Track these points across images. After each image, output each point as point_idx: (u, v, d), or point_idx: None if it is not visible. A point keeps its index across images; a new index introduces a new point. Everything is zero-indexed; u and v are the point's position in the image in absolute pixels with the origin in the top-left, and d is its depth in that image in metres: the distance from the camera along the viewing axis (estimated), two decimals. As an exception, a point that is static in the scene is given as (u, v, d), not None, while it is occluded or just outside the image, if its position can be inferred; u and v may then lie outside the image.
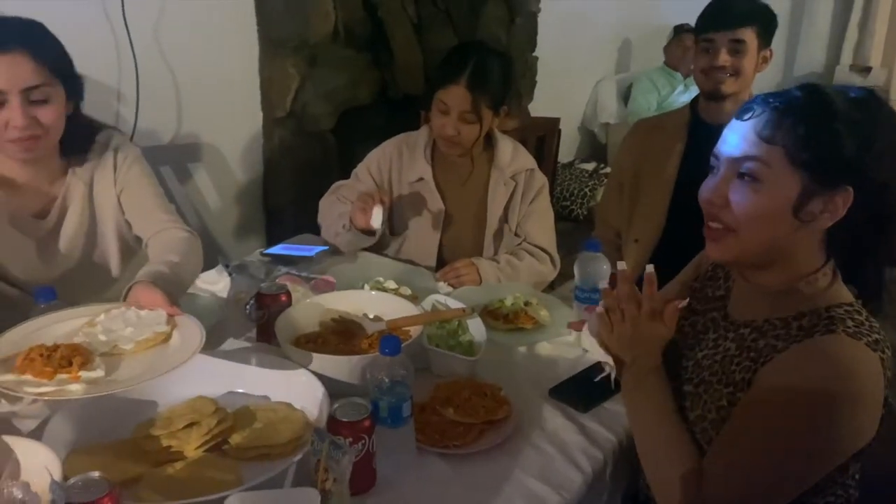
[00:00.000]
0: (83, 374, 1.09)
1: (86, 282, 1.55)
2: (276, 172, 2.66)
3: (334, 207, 1.95)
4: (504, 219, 1.96)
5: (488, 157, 1.97)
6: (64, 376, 1.07)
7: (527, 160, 2.00)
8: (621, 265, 1.17)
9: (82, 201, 1.55)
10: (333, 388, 1.21)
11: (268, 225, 2.72)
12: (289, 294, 1.50)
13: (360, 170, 1.99)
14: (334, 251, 1.94)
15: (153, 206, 1.59)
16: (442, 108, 1.83)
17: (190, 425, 1.14)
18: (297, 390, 1.24)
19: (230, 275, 1.73)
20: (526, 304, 1.62)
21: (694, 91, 2.06)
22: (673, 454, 1.07)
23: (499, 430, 1.22)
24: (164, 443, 1.12)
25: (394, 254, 1.98)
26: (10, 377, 1.06)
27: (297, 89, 2.57)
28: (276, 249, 1.92)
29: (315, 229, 2.05)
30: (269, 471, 1.07)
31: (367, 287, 1.65)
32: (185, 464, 1.09)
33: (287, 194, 2.67)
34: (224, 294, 1.69)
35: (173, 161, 2.12)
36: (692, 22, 1.96)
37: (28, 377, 1.06)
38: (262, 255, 1.90)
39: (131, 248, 1.65)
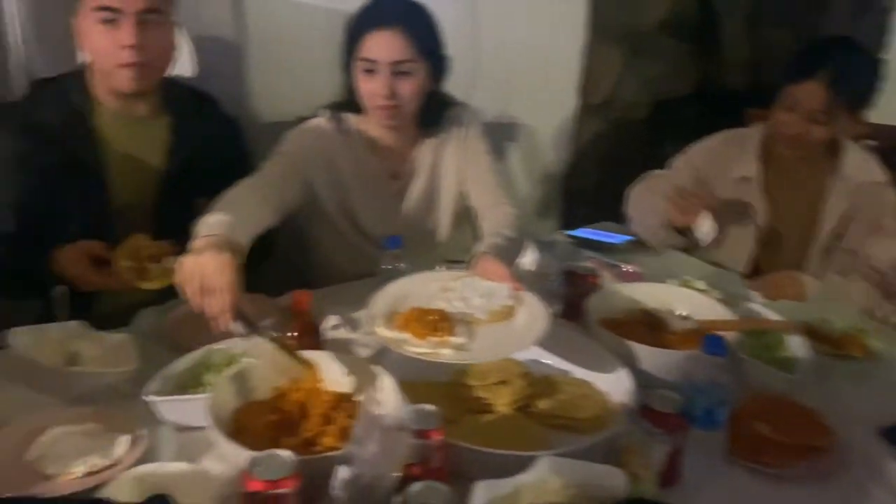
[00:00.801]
0: (450, 339, 1.19)
1: (415, 243, 1.66)
2: (582, 157, 2.69)
3: (646, 199, 1.91)
4: (839, 235, 1.76)
5: (830, 163, 1.78)
6: (435, 339, 1.19)
7: (878, 173, 1.77)
8: None
9: (429, 169, 1.71)
10: (638, 377, 1.20)
11: (565, 207, 2.76)
12: (598, 277, 1.52)
13: (680, 161, 1.92)
14: (639, 242, 1.91)
15: (492, 180, 1.69)
16: (790, 105, 1.69)
17: (501, 382, 1.21)
18: (601, 371, 1.25)
19: (538, 250, 1.79)
20: (858, 330, 1.45)
21: None
22: None
23: (819, 459, 1.11)
24: (478, 393, 1.20)
25: (703, 254, 1.89)
26: (394, 334, 1.20)
27: (617, 77, 2.55)
28: (582, 233, 1.94)
29: (614, 217, 2.03)
30: (572, 442, 1.09)
31: (672, 283, 1.60)
32: (495, 417, 1.16)
33: (590, 180, 2.69)
34: (531, 268, 1.75)
35: (492, 138, 2.23)
36: None
37: (407, 335, 1.20)
38: (567, 236, 1.93)
39: (460, 217, 1.77)
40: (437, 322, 1.22)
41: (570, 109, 2.63)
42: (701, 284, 1.61)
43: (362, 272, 1.59)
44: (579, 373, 1.29)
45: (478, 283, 1.34)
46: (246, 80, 2.00)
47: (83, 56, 1.73)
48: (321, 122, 1.67)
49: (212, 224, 1.22)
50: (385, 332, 1.21)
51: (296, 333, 1.24)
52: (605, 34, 2.51)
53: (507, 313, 1.29)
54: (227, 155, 1.61)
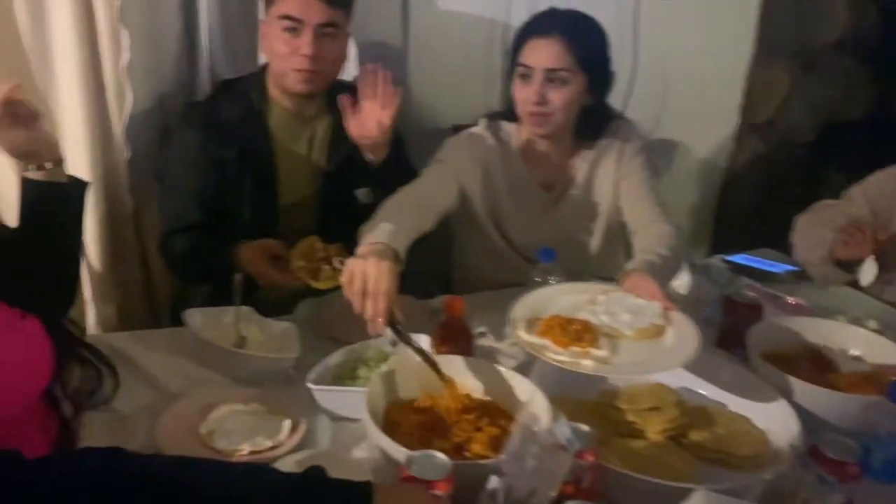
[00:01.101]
0: (592, 350, 1.18)
1: (566, 256, 1.61)
2: (739, 179, 2.57)
3: (814, 231, 1.77)
4: None
5: None
6: (576, 349, 1.18)
7: None
8: None
9: (584, 182, 1.69)
10: (805, 418, 1.12)
11: (717, 230, 2.64)
12: (760, 307, 1.44)
13: (855, 192, 1.79)
14: (802, 273, 1.79)
15: (648, 197, 1.64)
16: None
17: (653, 409, 1.17)
18: (762, 407, 1.19)
19: (691, 273, 1.73)
20: None
21: None
22: None
23: None
24: (628, 417, 1.17)
25: (877, 292, 1.74)
26: (534, 339, 1.21)
27: (784, 97, 2.41)
28: (739, 258, 1.85)
29: (771, 243, 1.92)
30: (728, 479, 1.04)
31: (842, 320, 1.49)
32: (646, 444, 1.13)
33: (746, 203, 2.56)
34: (683, 291, 1.69)
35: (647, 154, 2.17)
36: None
37: (548, 342, 1.20)
38: (724, 261, 1.85)
39: (613, 232, 1.74)
40: (580, 332, 1.21)
41: (729, 128, 2.52)
42: (873, 324, 1.49)
43: (509, 281, 1.60)
44: (736, 406, 1.23)
45: (627, 299, 1.31)
46: (406, 86, 2.06)
47: (262, 60, 1.87)
48: (479, 130, 1.69)
49: (376, 232, 1.28)
50: (525, 336, 1.22)
51: (442, 338, 1.25)
52: (775, 51, 2.38)
53: (655, 332, 1.25)
54: (389, 160, 1.67)
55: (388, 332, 1.18)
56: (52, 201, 1.13)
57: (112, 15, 1.60)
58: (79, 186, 1.17)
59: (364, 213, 1.67)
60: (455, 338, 1.23)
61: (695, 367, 1.26)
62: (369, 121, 1.55)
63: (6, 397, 0.96)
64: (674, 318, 1.27)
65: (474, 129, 1.70)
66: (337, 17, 1.57)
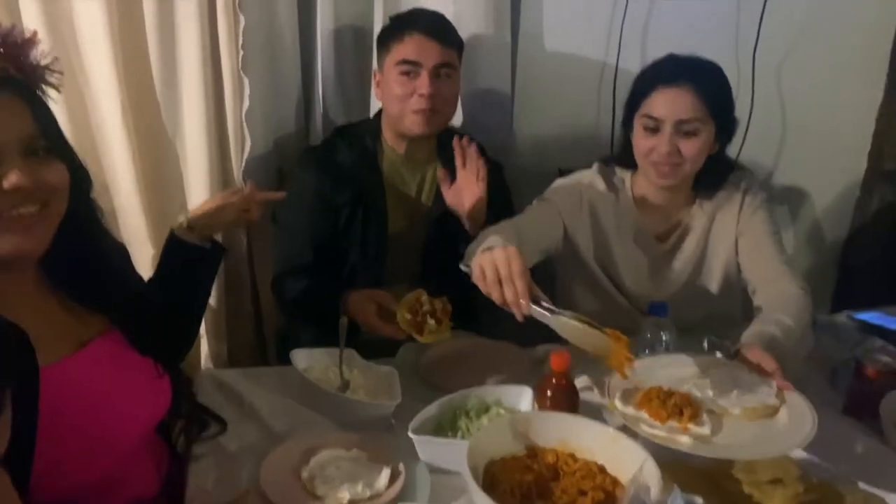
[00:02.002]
0: (691, 427, 1.12)
1: (678, 310, 1.52)
2: (867, 229, 2.39)
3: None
4: None
5: None
6: (674, 424, 1.13)
7: None
8: None
9: (701, 233, 1.63)
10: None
11: (840, 284, 2.46)
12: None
13: None
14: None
15: (771, 253, 1.55)
16: None
17: (774, 482, 1.09)
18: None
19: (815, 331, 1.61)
20: None
21: None
22: None
23: None
24: (746, 489, 1.09)
25: None
26: (630, 410, 1.17)
27: (919, 142, 2.24)
28: (870, 316, 1.70)
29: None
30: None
31: None
32: (768, 520, 1.04)
33: (875, 255, 2.38)
34: (804, 352, 1.57)
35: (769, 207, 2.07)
36: None
37: (644, 414, 1.15)
38: (852, 318, 1.71)
39: (730, 288, 1.65)
40: (679, 406, 1.15)
41: (856, 175, 2.36)
42: None
43: (613, 326, 1.53)
44: (869, 484, 1.13)
45: (741, 375, 1.23)
46: (511, 130, 2.06)
47: (374, 106, 1.92)
48: (591, 173, 1.67)
49: (488, 241, 1.26)
50: (620, 407, 1.18)
51: (550, 393, 1.21)
52: (909, 94, 2.23)
53: (765, 412, 1.18)
54: (491, 199, 1.68)
55: (537, 311, 1.17)
56: (194, 262, 1.22)
57: (235, 65, 1.70)
58: (217, 251, 1.25)
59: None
60: (559, 394, 1.19)
61: (822, 437, 1.16)
62: (464, 191, 1.58)
63: (126, 429, 1.01)
64: (790, 399, 1.19)
65: (586, 172, 1.68)
66: (451, 58, 1.63)
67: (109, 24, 1.57)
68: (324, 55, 1.86)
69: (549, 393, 1.19)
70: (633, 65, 2.00)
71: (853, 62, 2.22)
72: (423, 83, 1.59)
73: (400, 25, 1.63)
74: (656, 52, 1.61)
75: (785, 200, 2.34)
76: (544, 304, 1.18)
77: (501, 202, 1.70)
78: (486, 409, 1.25)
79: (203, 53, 1.66)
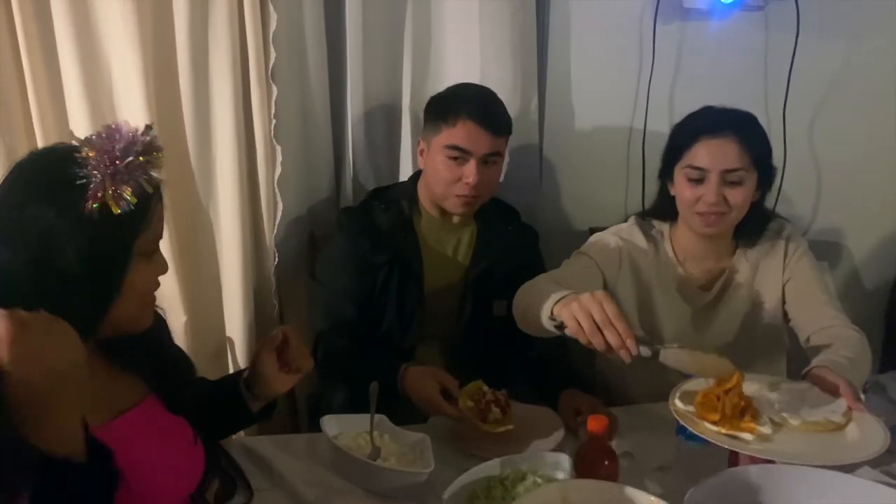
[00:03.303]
0: (755, 426, 1.13)
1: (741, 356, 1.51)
2: (911, 284, 2.32)
3: None
4: None
5: None
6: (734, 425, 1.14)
7: None
8: None
9: (747, 281, 1.61)
10: None
11: (887, 341, 2.38)
12: (955, 437, 1.25)
13: None
14: None
15: (821, 300, 1.55)
16: None
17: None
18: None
19: (864, 393, 1.54)
20: None
21: None
22: None
23: None
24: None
25: None
26: (689, 408, 1.19)
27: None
28: (921, 376, 1.63)
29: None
30: None
31: None
32: None
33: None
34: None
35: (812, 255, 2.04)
36: None
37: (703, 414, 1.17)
38: (905, 378, 1.64)
39: (776, 340, 1.62)
40: (738, 407, 1.15)
41: (894, 227, 2.31)
42: None
43: (657, 393, 1.49)
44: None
45: (812, 393, 1.24)
46: (541, 190, 2.07)
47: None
48: (628, 227, 1.66)
49: (552, 297, 1.25)
50: (679, 405, 1.19)
51: (588, 459, 1.17)
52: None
53: (827, 428, 1.18)
54: (524, 261, 1.67)
55: (644, 350, 1.15)
56: (240, 410, 1.22)
57: (268, 133, 1.74)
58: (265, 413, 1.26)
59: (498, 325, 1.66)
60: (597, 460, 1.15)
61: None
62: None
63: (163, 497, 1.01)
64: (859, 417, 1.19)
65: (623, 226, 1.67)
66: (500, 146, 1.64)
67: (146, 94, 1.63)
68: (354, 123, 1.90)
69: (587, 459, 1.15)
70: (661, 124, 2.01)
71: (886, 114, 2.20)
72: (470, 172, 1.59)
73: (455, 108, 1.61)
74: (685, 111, 1.62)
75: (823, 256, 2.29)
76: (648, 342, 1.17)
77: (537, 270, 1.68)
78: (522, 478, 1.20)
79: (237, 122, 1.71)
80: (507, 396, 1.43)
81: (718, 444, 1.12)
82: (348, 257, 1.65)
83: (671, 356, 1.18)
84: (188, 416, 1.09)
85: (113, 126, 0.92)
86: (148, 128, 0.94)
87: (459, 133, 1.59)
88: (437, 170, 1.62)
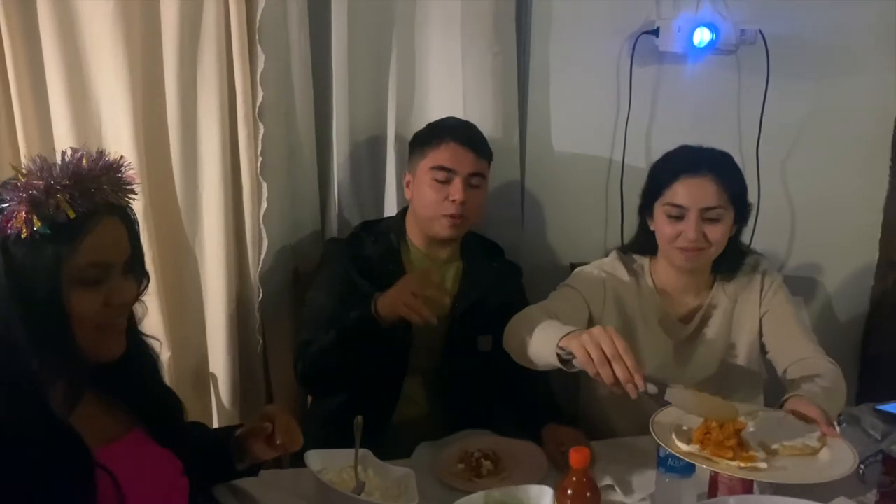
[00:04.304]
0: (757, 461, 1.17)
1: (720, 388, 1.57)
2: (882, 318, 2.37)
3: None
4: None
5: None
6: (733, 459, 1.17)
7: None
8: None
9: (725, 314, 1.65)
10: None
11: (861, 374, 2.42)
12: (927, 467, 1.28)
13: None
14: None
15: (797, 333, 1.59)
16: None
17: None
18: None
19: (839, 424, 1.57)
20: None
21: None
22: None
23: None
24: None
25: None
26: (693, 449, 1.20)
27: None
28: (893, 407, 1.66)
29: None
30: None
31: None
32: None
33: (893, 344, 2.34)
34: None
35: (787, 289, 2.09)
36: None
37: (706, 453, 1.19)
38: (876, 410, 1.67)
39: (754, 372, 1.66)
40: (732, 436, 1.19)
41: (868, 264, 2.37)
42: None
43: (638, 427, 1.51)
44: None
45: (788, 420, 1.30)
46: (522, 227, 2.10)
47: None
48: (610, 261, 1.70)
49: (554, 331, 1.29)
50: (683, 447, 1.20)
51: (570, 492, 1.18)
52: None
53: (804, 451, 1.23)
54: (509, 298, 1.70)
55: (651, 388, 1.18)
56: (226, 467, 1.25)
57: (254, 169, 1.76)
58: (256, 467, 1.28)
59: (483, 359, 1.68)
60: (580, 493, 1.16)
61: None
62: None
63: None
64: (832, 442, 1.25)
65: (606, 260, 1.71)
66: (483, 168, 1.70)
67: (134, 131, 1.65)
68: (339, 160, 1.93)
69: (569, 492, 1.16)
70: (638, 161, 2.06)
71: (856, 153, 2.28)
72: (455, 189, 1.64)
73: (438, 133, 1.69)
74: (661, 149, 1.67)
75: (798, 290, 2.34)
76: (651, 379, 1.19)
77: (521, 306, 1.69)
78: (513, 509, 1.21)
79: (223, 158, 1.73)
80: (495, 456, 1.45)
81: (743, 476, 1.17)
82: (340, 283, 1.67)
83: (677, 396, 1.21)
84: (178, 451, 1.09)
85: (64, 151, 0.92)
86: (100, 153, 0.95)
87: (444, 154, 1.65)
88: (423, 194, 1.67)
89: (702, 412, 1.23)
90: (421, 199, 1.68)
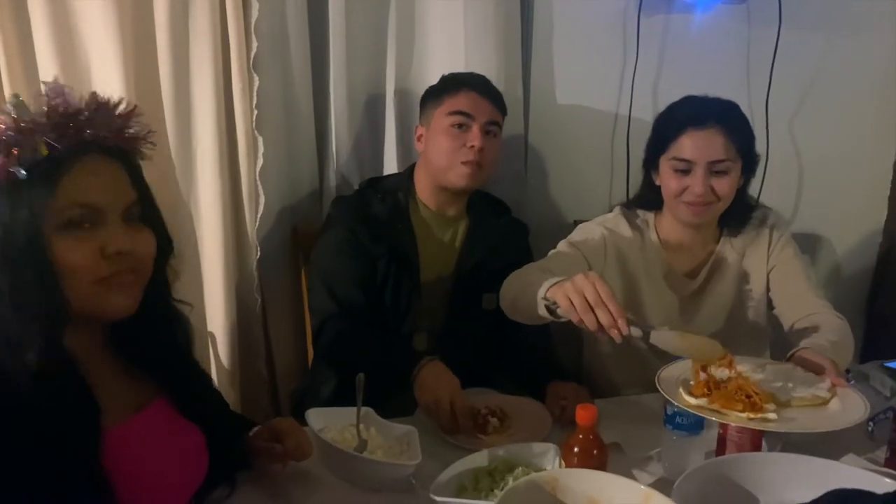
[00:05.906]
0: (767, 412, 1.16)
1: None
2: (889, 275, 2.35)
3: None
4: None
5: None
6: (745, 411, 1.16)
7: None
8: None
9: (732, 270, 1.62)
10: None
11: (868, 332, 2.40)
12: (938, 423, 1.26)
13: None
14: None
15: (804, 288, 1.57)
16: None
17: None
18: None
19: (849, 381, 1.55)
20: None
21: None
22: None
23: None
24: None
25: None
26: (702, 402, 1.19)
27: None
28: (902, 364, 1.65)
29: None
30: None
31: None
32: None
33: (901, 301, 2.33)
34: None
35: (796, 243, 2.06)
36: None
37: (715, 406, 1.18)
38: (884, 367, 1.65)
39: (760, 327, 1.63)
40: (744, 389, 1.17)
41: (877, 222, 2.34)
42: None
43: (645, 383, 1.49)
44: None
45: (796, 373, 1.29)
46: (525, 180, 2.06)
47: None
48: (613, 217, 1.66)
49: (546, 281, 1.26)
50: (692, 400, 1.19)
51: (577, 449, 1.16)
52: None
53: (817, 402, 1.22)
54: (515, 257, 1.66)
55: (636, 331, 1.17)
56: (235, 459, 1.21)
57: (249, 124, 1.71)
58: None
59: (487, 318, 1.65)
60: (586, 450, 1.14)
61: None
62: None
63: (167, 495, 1.01)
64: (842, 392, 1.24)
65: (608, 216, 1.67)
66: (499, 118, 1.68)
67: (125, 85, 1.60)
68: (337, 116, 1.88)
69: (575, 449, 1.14)
70: (645, 115, 2.01)
71: (866, 104, 2.22)
72: (474, 136, 1.62)
73: (455, 83, 1.68)
74: (669, 101, 1.61)
75: (805, 246, 2.30)
76: (635, 323, 1.18)
77: (526, 264, 1.68)
78: (510, 468, 1.19)
79: (218, 112, 1.68)
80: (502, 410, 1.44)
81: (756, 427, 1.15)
82: (349, 244, 1.63)
83: (661, 338, 1.19)
84: (201, 424, 1.08)
85: (45, 84, 0.87)
86: (93, 94, 0.90)
87: (462, 100, 1.63)
88: (439, 142, 1.64)
89: (686, 352, 1.22)
90: (437, 148, 1.65)
